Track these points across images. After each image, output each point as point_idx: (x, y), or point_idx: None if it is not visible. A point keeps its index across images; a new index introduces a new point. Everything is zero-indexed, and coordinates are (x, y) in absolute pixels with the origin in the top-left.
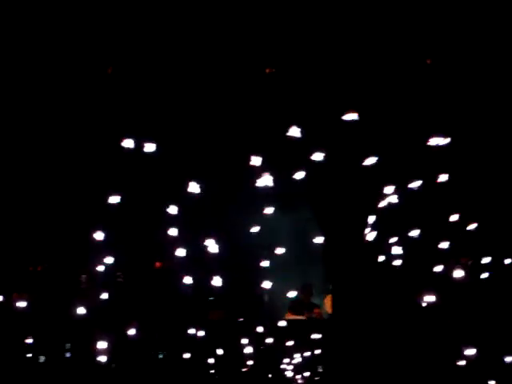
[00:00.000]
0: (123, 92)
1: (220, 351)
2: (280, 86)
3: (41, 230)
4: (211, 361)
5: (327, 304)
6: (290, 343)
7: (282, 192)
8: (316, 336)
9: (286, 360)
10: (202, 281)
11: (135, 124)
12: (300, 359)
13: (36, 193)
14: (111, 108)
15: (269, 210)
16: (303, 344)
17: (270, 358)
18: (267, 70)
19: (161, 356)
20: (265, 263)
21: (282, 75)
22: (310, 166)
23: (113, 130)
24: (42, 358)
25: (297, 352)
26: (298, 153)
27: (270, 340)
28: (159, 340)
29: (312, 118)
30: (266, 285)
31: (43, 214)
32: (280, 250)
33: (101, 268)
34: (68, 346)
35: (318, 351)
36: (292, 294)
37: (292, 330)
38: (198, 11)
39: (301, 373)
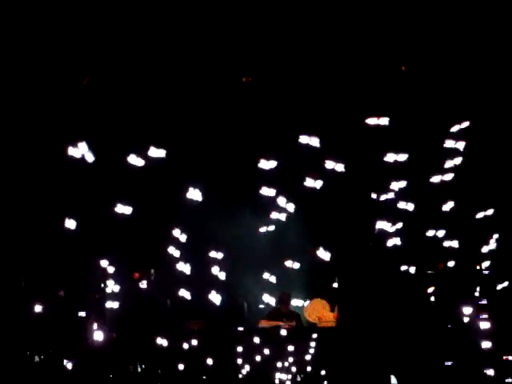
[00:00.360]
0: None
1: (202, 361)
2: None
3: (19, 243)
4: (192, 371)
5: (307, 312)
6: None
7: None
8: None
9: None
10: (183, 291)
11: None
12: (285, 365)
13: (13, 206)
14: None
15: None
16: (286, 351)
17: (254, 365)
18: (244, 79)
19: (139, 369)
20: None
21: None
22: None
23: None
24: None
25: (282, 359)
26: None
27: (252, 348)
28: (138, 352)
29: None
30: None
31: (22, 228)
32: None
33: (79, 280)
34: (37, 359)
35: (298, 357)
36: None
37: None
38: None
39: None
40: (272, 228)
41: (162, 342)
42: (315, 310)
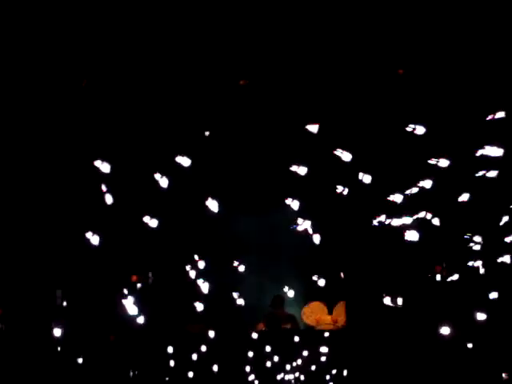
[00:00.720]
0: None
1: (203, 365)
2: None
3: (23, 240)
4: (192, 374)
5: (304, 314)
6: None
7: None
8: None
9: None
10: (181, 293)
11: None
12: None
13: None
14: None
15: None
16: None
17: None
18: (241, 82)
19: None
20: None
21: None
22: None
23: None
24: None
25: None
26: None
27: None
28: (135, 355)
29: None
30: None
31: (25, 226)
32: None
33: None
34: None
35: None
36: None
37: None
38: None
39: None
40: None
41: (159, 346)
42: (313, 313)
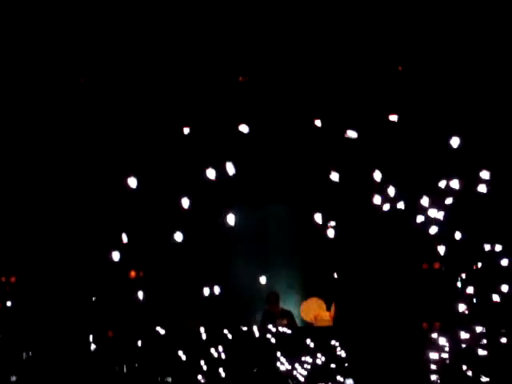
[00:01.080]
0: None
1: (201, 362)
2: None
3: (14, 239)
4: (188, 370)
5: (303, 311)
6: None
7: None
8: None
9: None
10: (179, 289)
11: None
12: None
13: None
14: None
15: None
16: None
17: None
18: (240, 79)
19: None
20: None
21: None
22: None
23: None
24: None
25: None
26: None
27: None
28: (131, 350)
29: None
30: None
31: (15, 224)
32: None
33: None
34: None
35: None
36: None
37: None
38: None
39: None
40: None
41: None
42: (311, 310)
